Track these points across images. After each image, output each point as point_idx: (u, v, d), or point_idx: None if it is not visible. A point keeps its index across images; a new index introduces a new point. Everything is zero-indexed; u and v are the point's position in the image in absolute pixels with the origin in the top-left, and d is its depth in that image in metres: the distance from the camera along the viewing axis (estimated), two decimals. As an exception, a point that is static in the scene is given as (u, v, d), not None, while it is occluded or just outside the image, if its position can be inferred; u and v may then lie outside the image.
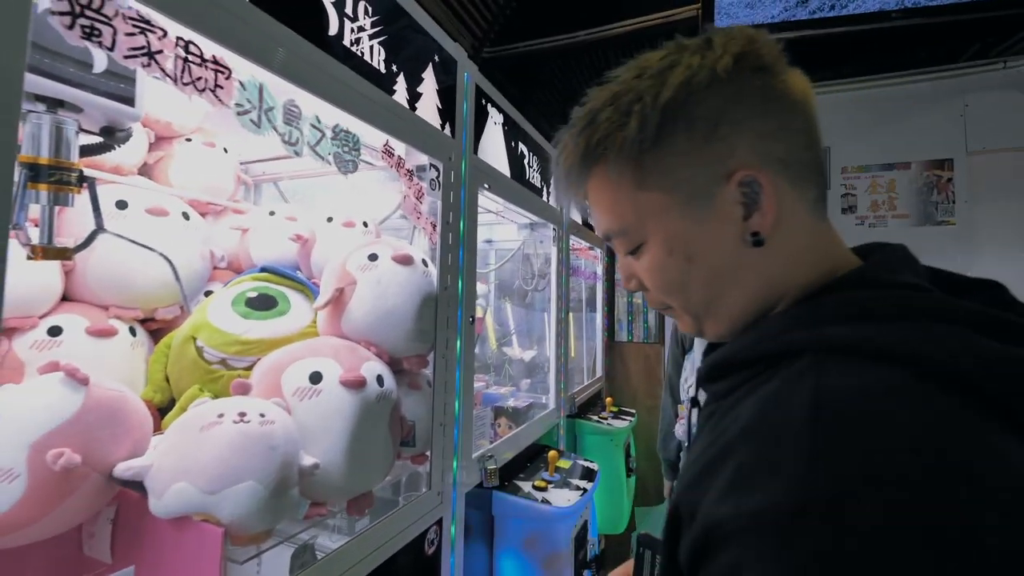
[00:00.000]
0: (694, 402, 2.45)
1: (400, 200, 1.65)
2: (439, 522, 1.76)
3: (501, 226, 3.25)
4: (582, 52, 4.66)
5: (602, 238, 0.79)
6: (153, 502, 1.03)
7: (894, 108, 4.09)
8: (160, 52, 0.89)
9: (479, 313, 3.03)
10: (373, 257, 1.60)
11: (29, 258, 1.03)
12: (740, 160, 0.68)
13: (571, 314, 3.59)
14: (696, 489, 0.60)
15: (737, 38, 0.69)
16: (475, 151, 2.05)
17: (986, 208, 3.85)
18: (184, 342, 1.42)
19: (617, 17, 4.35)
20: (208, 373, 1.41)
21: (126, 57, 0.84)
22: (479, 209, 2.11)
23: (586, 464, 2.78)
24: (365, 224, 1.94)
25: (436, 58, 1.76)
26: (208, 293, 1.67)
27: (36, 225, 1.04)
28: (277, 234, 1.85)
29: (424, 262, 1.70)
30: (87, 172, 1.07)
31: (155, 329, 1.57)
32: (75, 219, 1.28)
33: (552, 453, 2.60)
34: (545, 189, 2.98)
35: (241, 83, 1.07)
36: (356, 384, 1.37)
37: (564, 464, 2.66)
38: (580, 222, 3.79)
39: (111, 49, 0.82)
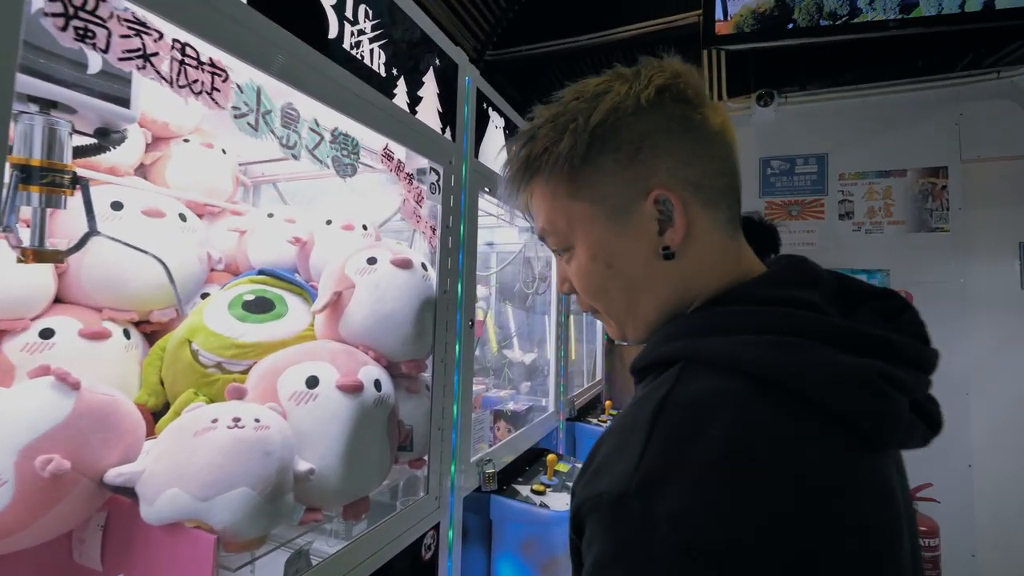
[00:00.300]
0: None
1: (400, 203, 1.64)
2: (436, 527, 1.75)
3: (502, 229, 3.23)
4: (585, 56, 4.65)
5: (538, 236, 0.91)
6: (144, 508, 1.02)
7: (891, 116, 4.17)
8: (156, 54, 0.88)
9: (480, 316, 3.02)
10: (372, 261, 1.59)
11: (19, 261, 1.02)
12: (658, 180, 0.75)
13: (571, 317, 3.58)
14: (580, 476, 0.70)
15: (664, 71, 0.77)
16: (476, 155, 2.04)
17: (979, 215, 3.95)
18: (179, 345, 1.41)
19: (620, 22, 4.37)
20: (203, 377, 1.39)
21: (121, 59, 0.83)
22: (480, 212, 2.09)
23: (585, 468, 2.74)
24: (365, 227, 1.93)
25: (437, 62, 1.74)
26: (205, 295, 1.66)
27: (28, 226, 1.03)
28: (276, 236, 1.84)
29: (424, 266, 1.68)
30: (81, 173, 1.06)
31: (150, 332, 1.56)
32: (70, 220, 1.26)
33: (551, 457, 2.58)
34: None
35: (239, 86, 1.06)
36: (353, 388, 1.36)
37: (563, 468, 2.65)
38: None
39: (105, 51, 0.81)
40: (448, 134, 1.82)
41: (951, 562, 3.55)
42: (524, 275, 3.38)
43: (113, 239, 1.27)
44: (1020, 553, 3.70)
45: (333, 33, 1.27)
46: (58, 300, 1.38)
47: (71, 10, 0.77)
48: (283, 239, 1.81)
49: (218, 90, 1.00)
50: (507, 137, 2.37)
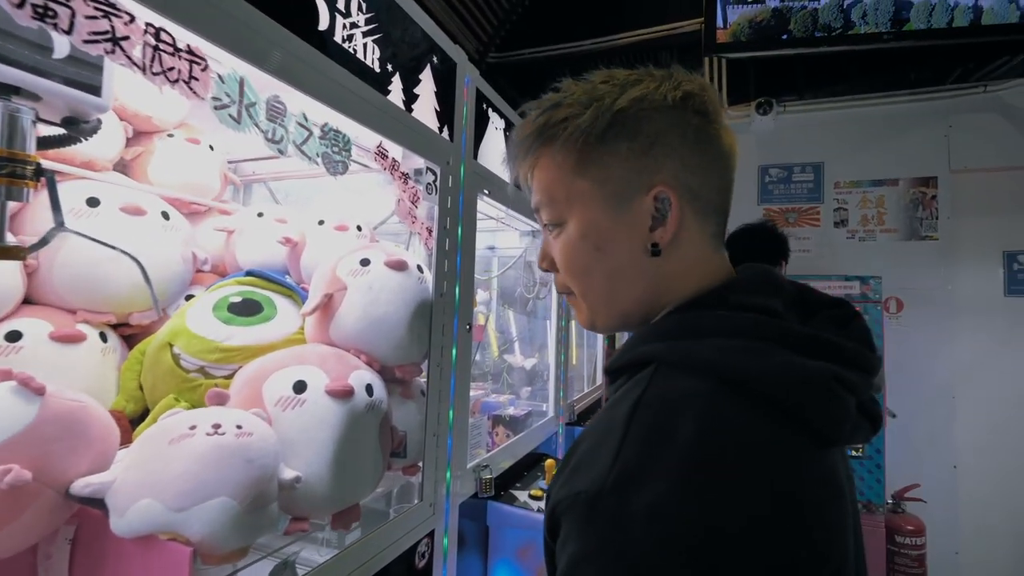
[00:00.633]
0: None
1: (395, 204, 1.59)
2: (431, 534, 1.70)
3: (503, 233, 3.20)
4: (587, 61, 4.66)
5: (533, 209, 0.92)
6: (115, 520, 0.96)
7: (883, 127, 4.41)
8: (126, 38, 0.82)
9: (480, 320, 2.99)
10: (365, 262, 1.54)
11: (-23, 258, 0.96)
12: (662, 179, 0.78)
13: (572, 322, 3.54)
14: (556, 476, 0.73)
15: (692, 81, 0.81)
16: (475, 156, 1.99)
17: (966, 224, 4.20)
18: (160, 349, 1.36)
19: (622, 28, 4.44)
20: (185, 382, 1.34)
21: (86, 42, 0.77)
22: (479, 215, 2.06)
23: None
24: (359, 228, 1.88)
25: (435, 59, 1.70)
26: (190, 297, 1.60)
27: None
28: (265, 236, 1.79)
29: (419, 268, 1.64)
30: (52, 166, 1.00)
31: (129, 335, 1.50)
32: (44, 216, 1.21)
33: (549, 462, 2.56)
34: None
35: (220, 76, 1.01)
36: (343, 394, 1.30)
37: (562, 473, 2.60)
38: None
39: (68, 32, 0.75)
40: (446, 134, 1.77)
41: (936, 560, 3.67)
42: (525, 280, 3.37)
43: (82, 236, 1.22)
44: (1001, 551, 3.95)
45: (324, 24, 1.22)
46: (30, 302, 1.32)
47: (29, -15, 0.71)
48: (273, 239, 1.75)
49: (196, 79, 0.94)
50: (507, 139, 2.33)
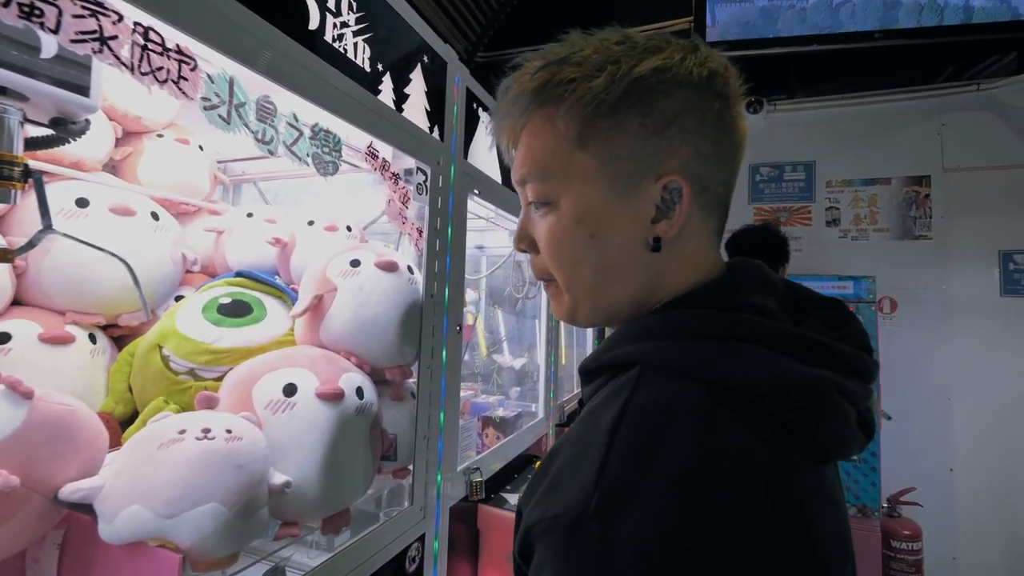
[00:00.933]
0: None
1: (385, 204, 1.58)
2: (421, 538, 1.69)
3: (492, 232, 3.19)
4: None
5: (516, 181, 0.80)
6: (103, 526, 0.95)
7: (876, 125, 4.37)
8: (114, 38, 0.81)
9: (469, 320, 2.98)
10: (355, 263, 1.53)
11: (-36, 260, 0.95)
12: (674, 165, 0.70)
13: (562, 322, 3.54)
14: (528, 493, 0.66)
15: (718, 59, 0.72)
16: (465, 156, 1.99)
17: (960, 223, 4.14)
18: (149, 350, 1.34)
19: (611, 27, 4.39)
20: (175, 384, 1.33)
21: (73, 41, 0.76)
22: (469, 215, 2.04)
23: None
24: (349, 228, 1.87)
25: (425, 59, 1.69)
26: (180, 298, 1.59)
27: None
28: (255, 237, 1.77)
29: (409, 269, 1.63)
30: (40, 167, 0.99)
31: (119, 336, 1.49)
32: (33, 218, 1.19)
33: (540, 463, 2.52)
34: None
35: (209, 75, 1.00)
36: (333, 396, 1.30)
37: (553, 475, 2.59)
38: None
39: (55, 31, 0.74)
40: (436, 134, 1.76)
41: (933, 565, 3.64)
42: (514, 279, 3.36)
43: (71, 237, 1.20)
44: (999, 555, 3.86)
45: (314, 24, 1.21)
46: (19, 303, 1.30)
47: (16, -16, 0.70)
48: (263, 240, 1.73)
49: (185, 79, 0.94)
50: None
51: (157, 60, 0.89)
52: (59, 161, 1.35)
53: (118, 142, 1.58)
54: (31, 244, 1.11)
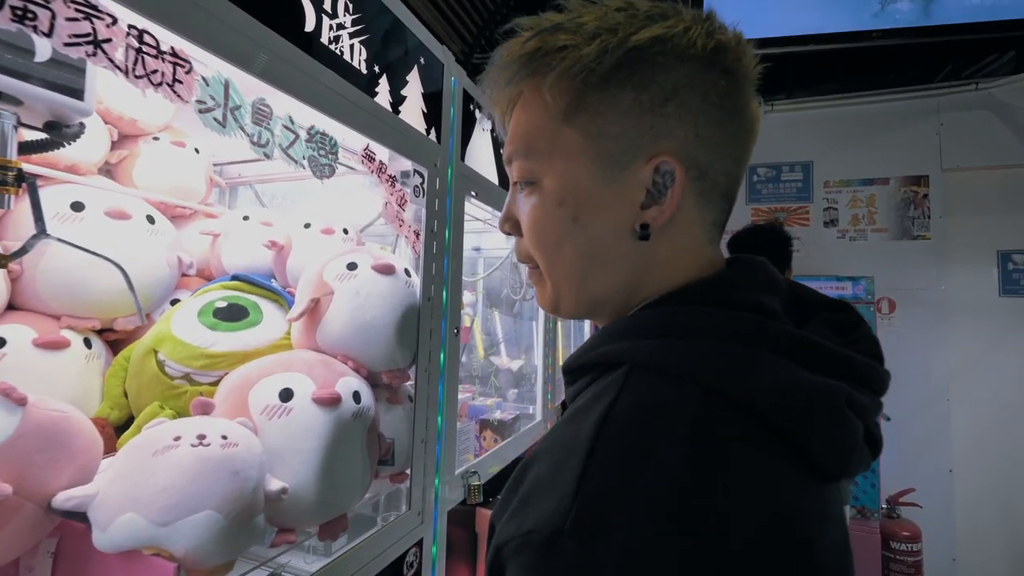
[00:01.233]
0: None
1: (381, 207, 1.57)
2: (419, 543, 1.68)
3: (489, 234, 3.18)
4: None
5: (504, 160, 0.75)
6: (97, 535, 0.94)
7: (874, 125, 4.36)
8: (108, 41, 0.80)
9: (467, 322, 2.97)
10: (352, 266, 1.52)
11: (-40, 265, 0.94)
12: (669, 146, 0.64)
13: (559, 323, 3.53)
14: (502, 505, 0.59)
15: (727, 33, 0.65)
16: (462, 158, 1.98)
17: (959, 223, 4.13)
18: (144, 355, 1.33)
19: None
20: (170, 389, 1.32)
21: (67, 44, 0.75)
22: (466, 217, 2.03)
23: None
24: (345, 231, 1.86)
25: (422, 60, 1.68)
26: (176, 302, 1.58)
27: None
28: (251, 240, 1.76)
29: (407, 272, 1.62)
30: (35, 171, 0.98)
31: (114, 340, 1.48)
32: (28, 221, 1.18)
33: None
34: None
35: (204, 78, 0.99)
36: (330, 401, 1.29)
37: (551, 479, 2.58)
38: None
39: (49, 35, 0.74)
40: (433, 136, 1.75)
41: (932, 566, 3.65)
42: (511, 281, 3.35)
43: (64, 242, 1.19)
44: (998, 556, 3.85)
45: (310, 26, 1.20)
46: (13, 308, 1.29)
47: (9, -13, 0.69)
48: (259, 243, 1.73)
49: (180, 82, 0.93)
50: (494, 139, 2.32)
51: (152, 63, 0.88)
52: (54, 165, 1.34)
53: (114, 145, 1.57)
54: (24, 250, 1.11)
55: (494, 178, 2.30)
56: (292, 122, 1.22)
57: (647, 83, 0.63)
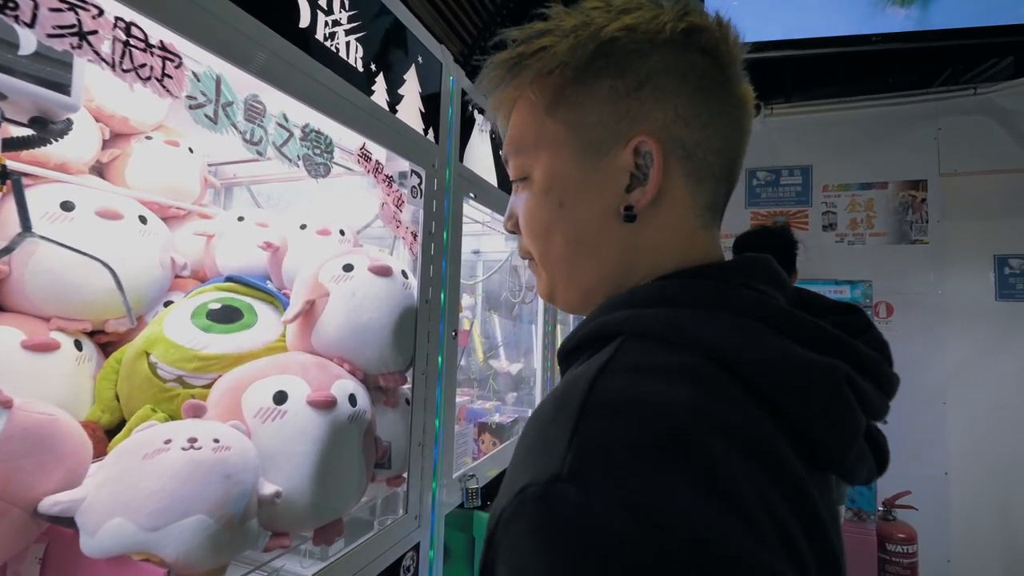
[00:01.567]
0: None
1: (378, 208, 1.55)
2: (416, 547, 1.67)
3: (488, 237, 3.17)
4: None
5: (504, 162, 0.78)
6: (85, 540, 0.92)
7: (872, 129, 4.37)
8: (94, 33, 0.78)
9: (466, 325, 2.96)
10: (348, 267, 1.50)
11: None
12: (647, 128, 0.64)
13: (558, 326, 3.52)
14: (498, 499, 0.54)
15: (704, 15, 0.66)
16: (461, 158, 1.96)
17: (956, 228, 4.14)
18: (136, 357, 1.31)
19: None
20: (162, 392, 1.30)
21: (50, 36, 0.73)
22: (465, 219, 2.02)
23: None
24: (342, 232, 1.84)
25: (420, 59, 1.66)
26: (169, 304, 1.56)
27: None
28: (246, 241, 1.74)
29: (404, 273, 1.60)
30: (19, 168, 0.96)
31: (106, 343, 1.45)
32: (14, 219, 1.16)
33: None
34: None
35: (195, 74, 0.97)
36: (325, 404, 1.27)
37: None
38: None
39: (31, 25, 0.71)
40: (431, 136, 1.73)
41: (928, 568, 3.65)
42: (511, 284, 3.34)
43: (51, 240, 1.17)
44: (994, 559, 3.87)
45: (305, 22, 1.19)
46: (2, 309, 1.27)
47: (-13, -24, 0.67)
48: (254, 244, 1.71)
49: (170, 76, 0.91)
50: (493, 141, 2.30)
51: (140, 56, 0.86)
52: (43, 163, 1.31)
53: (105, 144, 1.54)
54: (8, 248, 1.09)
55: (493, 180, 2.29)
56: (286, 120, 1.20)
57: (622, 71, 0.64)
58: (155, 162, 1.62)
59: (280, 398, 1.24)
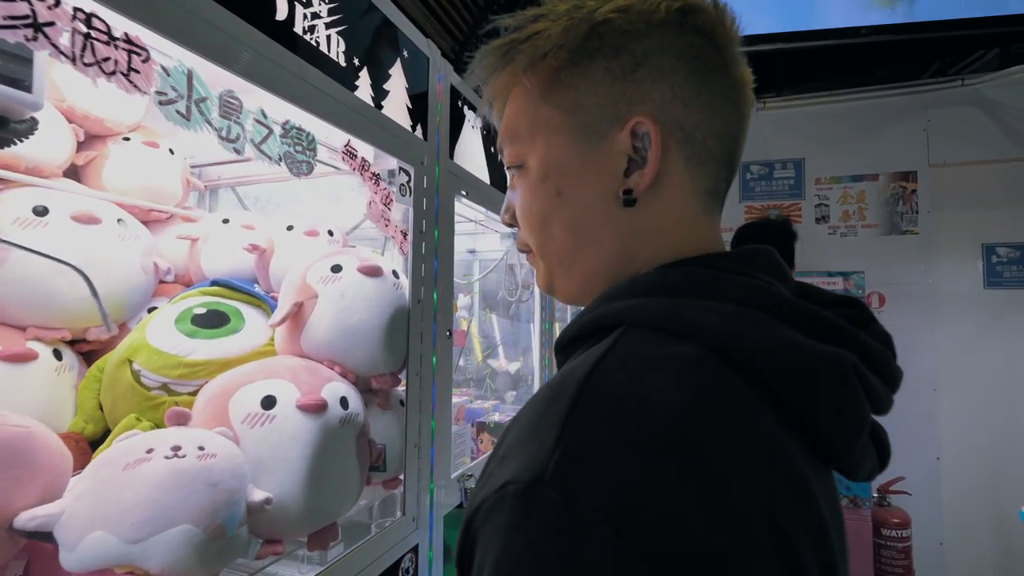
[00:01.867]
0: None
1: (366, 207, 1.52)
2: (415, 549, 1.65)
3: (484, 236, 3.16)
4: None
5: (499, 152, 0.78)
6: (65, 555, 0.89)
7: (863, 122, 4.41)
8: (51, 24, 0.75)
9: (463, 325, 2.94)
10: (336, 268, 1.48)
11: None
12: (644, 109, 0.63)
13: (556, 324, 3.50)
14: (481, 478, 0.54)
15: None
16: (451, 155, 1.93)
17: (945, 218, 4.19)
18: (119, 365, 1.28)
19: None
20: (147, 400, 1.27)
21: (2, 27, 0.69)
22: (459, 218, 1.99)
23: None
24: (330, 233, 1.81)
25: (405, 54, 1.63)
26: (153, 310, 1.52)
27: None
28: (231, 244, 1.70)
29: (395, 273, 1.58)
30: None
31: (87, 351, 1.42)
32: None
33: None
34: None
35: (164, 68, 0.93)
36: (315, 408, 1.24)
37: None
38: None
39: (-20, 16, 0.68)
40: (419, 133, 1.70)
41: (921, 551, 3.70)
42: (507, 283, 3.32)
43: (17, 246, 1.13)
44: (984, 540, 3.96)
45: (282, 14, 1.15)
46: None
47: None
48: (240, 246, 1.67)
49: (136, 71, 0.87)
50: (484, 137, 2.27)
51: (103, 50, 0.82)
52: (14, 167, 1.27)
53: (80, 146, 1.50)
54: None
55: (486, 177, 2.25)
56: (265, 116, 1.17)
57: (617, 52, 0.63)
58: (134, 164, 1.58)
59: (268, 403, 1.22)
